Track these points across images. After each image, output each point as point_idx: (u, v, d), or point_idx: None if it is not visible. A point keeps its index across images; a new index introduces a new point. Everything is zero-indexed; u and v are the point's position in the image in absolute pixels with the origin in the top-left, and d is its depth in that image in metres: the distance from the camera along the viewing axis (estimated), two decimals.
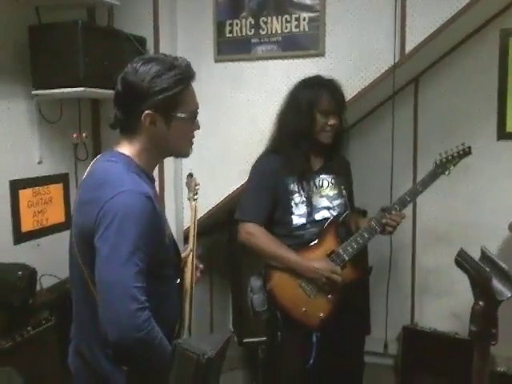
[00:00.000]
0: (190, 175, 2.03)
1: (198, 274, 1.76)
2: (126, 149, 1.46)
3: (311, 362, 2.13)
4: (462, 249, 1.14)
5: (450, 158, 2.25)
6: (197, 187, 1.99)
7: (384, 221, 2.19)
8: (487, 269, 1.04)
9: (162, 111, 1.41)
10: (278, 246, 2.16)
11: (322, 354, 2.15)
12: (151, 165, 1.52)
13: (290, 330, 2.17)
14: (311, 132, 2.17)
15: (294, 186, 2.18)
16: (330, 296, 2.15)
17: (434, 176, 2.24)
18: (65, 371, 2.36)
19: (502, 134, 2.90)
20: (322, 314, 2.15)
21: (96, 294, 1.34)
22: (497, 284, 1.04)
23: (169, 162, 2.80)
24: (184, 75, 1.42)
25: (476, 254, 1.19)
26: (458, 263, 1.12)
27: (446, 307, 3.08)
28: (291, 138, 2.17)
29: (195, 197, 1.98)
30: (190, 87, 1.46)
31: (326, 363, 2.16)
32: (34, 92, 2.51)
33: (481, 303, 1.04)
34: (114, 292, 1.27)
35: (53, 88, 2.47)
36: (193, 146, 1.56)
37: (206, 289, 3.39)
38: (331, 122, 2.16)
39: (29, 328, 2.26)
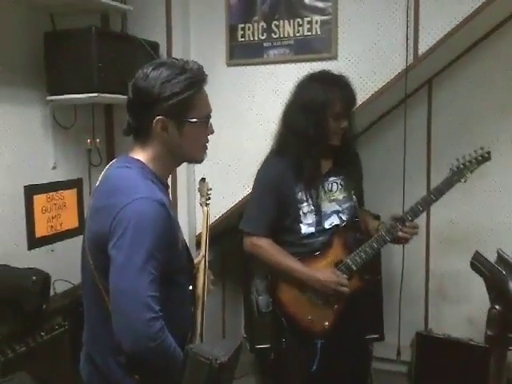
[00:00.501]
0: (203, 180, 2.00)
1: (211, 286, 1.74)
2: (140, 155, 1.45)
3: (314, 367, 2.11)
4: (477, 251, 1.12)
5: (467, 164, 2.09)
6: (209, 192, 1.97)
7: (398, 233, 2.09)
8: (504, 271, 1.02)
9: (174, 116, 1.39)
10: (285, 257, 2.12)
11: (325, 360, 2.12)
12: (165, 171, 1.50)
13: (295, 336, 2.14)
14: (324, 136, 2.09)
15: (302, 195, 2.12)
16: (336, 306, 2.13)
17: (449, 184, 2.09)
18: (78, 377, 2.38)
19: None
20: (327, 323, 2.12)
21: (108, 300, 1.33)
22: None
23: (181, 167, 2.78)
24: (195, 79, 1.40)
25: (491, 259, 1.16)
26: (474, 266, 1.10)
27: (461, 313, 3.04)
28: (301, 142, 2.08)
29: (207, 202, 1.97)
30: (202, 91, 1.43)
31: (329, 369, 2.13)
32: (48, 98, 2.53)
33: (497, 307, 1.02)
34: (128, 301, 1.26)
35: (67, 94, 2.49)
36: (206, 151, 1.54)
37: (219, 294, 3.38)
38: (343, 125, 2.09)
39: (42, 333, 2.27)
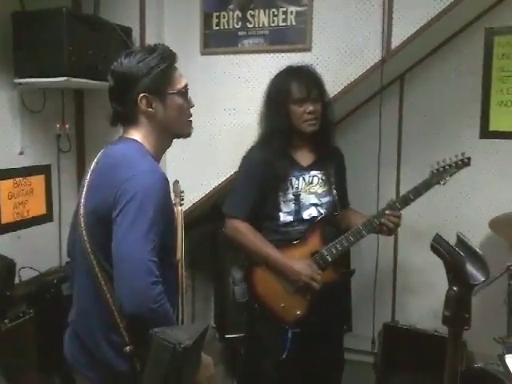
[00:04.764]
0: (176, 181, 2.20)
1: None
2: (135, 135, 1.53)
3: (284, 355, 2.14)
4: (437, 234, 1.15)
5: (447, 167, 2.17)
6: (182, 194, 2.16)
7: (381, 220, 2.15)
8: (462, 253, 1.05)
9: (155, 91, 1.49)
10: (263, 243, 2.16)
11: (297, 349, 2.15)
12: (158, 149, 1.57)
13: (268, 324, 2.18)
14: (291, 126, 2.15)
15: (282, 184, 2.17)
16: (308, 296, 2.15)
17: (428, 185, 2.17)
18: (41, 364, 2.35)
19: (485, 133, 2.92)
20: (298, 312, 2.15)
21: (101, 276, 1.41)
22: (471, 269, 1.05)
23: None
24: (165, 54, 1.51)
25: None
26: (434, 248, 1.13)
27: (427, 305, 3.10)
28: (273, 136, 2.15)
29: (181, 202, 2.14)
30: (174, 66, 1.54)
31: (300, 358, 2.17)
32: (16, 81, 2.46)
33: (455, 288, 1.04)
34: (132, 265, 1.32)
35: (36, 77, 2.43)
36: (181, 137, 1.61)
37: (188, 283, 3.37)
38: (309, 109, 2.12)
39: (6, 321, 2.22)
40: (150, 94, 1.48)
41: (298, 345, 2.15)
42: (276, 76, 2.22)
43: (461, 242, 1.12)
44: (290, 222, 2.18)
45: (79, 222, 1.47)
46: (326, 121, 2.20)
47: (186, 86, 1.57)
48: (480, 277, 1.04)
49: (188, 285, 1.98)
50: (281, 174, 2.16)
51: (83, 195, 1.50)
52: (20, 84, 2.47)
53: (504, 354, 1.79)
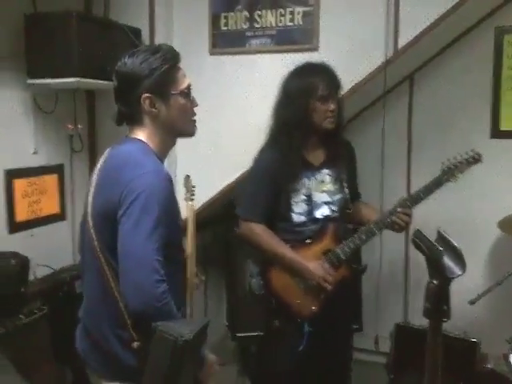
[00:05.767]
0: (188, 176, 2.23)
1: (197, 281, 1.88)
2: (140, 135, 1.55)
3: (301, 347, 2.16)
4: (418, 229, 1.18)
5: (458, 164, 2.16)
6: (193, 189, 2.20)
7: (392, 218, 2.17)
8: (440, 248, 1.09)
9: (158, 91, 1.49)
10: (278, 243, 2.18)
11: (312, 342, 2.18)
12: (163, 149, 1.59)
13: (284, 318, 2.21)
14: (312, 123, 2.14)
15: (293, 185, 2.18)
16: (322, 295, 2.18)
17: (439, 183, 2.17)
18: (55, 360, 2.39)
19: (496, 133, 2.90)
20: (314, 308, 2.18)
21: (109, 273, 1.42)
22: (449, 262, 1.09)
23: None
24: (169, 55, 1.52)
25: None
26: (415, 243, 1.16)
27: None
28: (287, 134, 2.15)
29: (192, 197, 2.18)
30: (177, 66, 1.55)
31: (316, 351, 2.19)
32: (28, 81, 2.51)
33: (434, 281, 1.08)
34: (137, 263, 1.34)
35: (47, 77, 2.47)
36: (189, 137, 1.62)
37: (201, 279, 3.40)
38: (332, 106, 2.13)
39: (21, 316, 2.26)
40: (153, 94, 1.49)
41: (313, 339, 2.18)
42: (295, 71, 2.19)
43: (441, 237, 1.16)
44: (304, 222, 2.20)
45: (87, 221, 1.50)
46: (339, 118, 2.20)
47: (189, 87, 1.57)
48: (457, 270, 1.08)
49: (201, 280, 1.98)
50: (293, 176, 2.17)
51: (91, 195, 1.53)
52: (32, 85, 2.52)
53: (510, 354, 1.78)
